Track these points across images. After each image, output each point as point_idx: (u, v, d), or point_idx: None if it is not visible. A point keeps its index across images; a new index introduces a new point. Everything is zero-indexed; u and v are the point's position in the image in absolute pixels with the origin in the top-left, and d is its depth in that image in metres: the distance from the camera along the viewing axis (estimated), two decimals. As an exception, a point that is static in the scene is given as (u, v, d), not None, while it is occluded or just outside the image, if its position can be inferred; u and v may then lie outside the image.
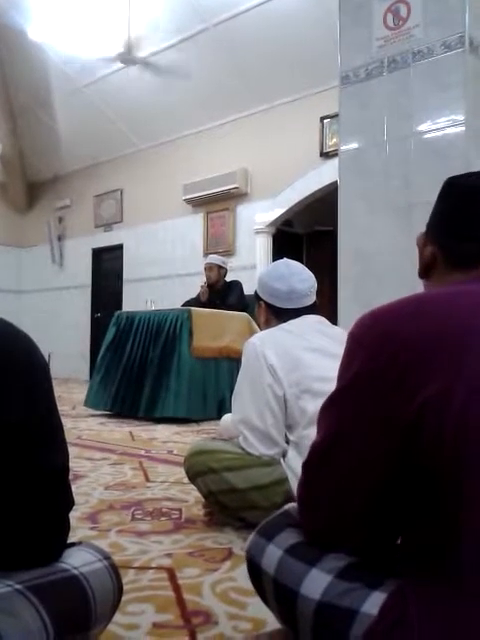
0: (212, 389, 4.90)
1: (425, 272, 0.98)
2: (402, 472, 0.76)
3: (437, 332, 0.73)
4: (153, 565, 1.62)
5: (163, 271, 8.42)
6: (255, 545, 0.97)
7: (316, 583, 0.81)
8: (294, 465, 1.80)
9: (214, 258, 5.78)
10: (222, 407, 4.76)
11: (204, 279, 5.74)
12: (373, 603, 0.75)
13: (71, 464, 0.93)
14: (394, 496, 0.80)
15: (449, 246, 0.92)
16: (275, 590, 0.89)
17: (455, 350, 0.71)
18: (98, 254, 9.62)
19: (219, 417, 4.50)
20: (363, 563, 0.83)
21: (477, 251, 0.88)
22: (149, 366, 4.88)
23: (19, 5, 7.32)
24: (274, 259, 6.69)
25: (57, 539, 0.90)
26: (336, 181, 3.61)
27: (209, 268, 5.61)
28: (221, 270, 5.62)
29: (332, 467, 0.83)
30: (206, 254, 7.42)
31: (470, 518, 0.69)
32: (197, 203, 7.96)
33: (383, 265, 3.24)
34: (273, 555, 0.91)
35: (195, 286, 6.08)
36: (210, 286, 5.58)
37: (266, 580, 0.91)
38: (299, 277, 2.05)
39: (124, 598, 1.03)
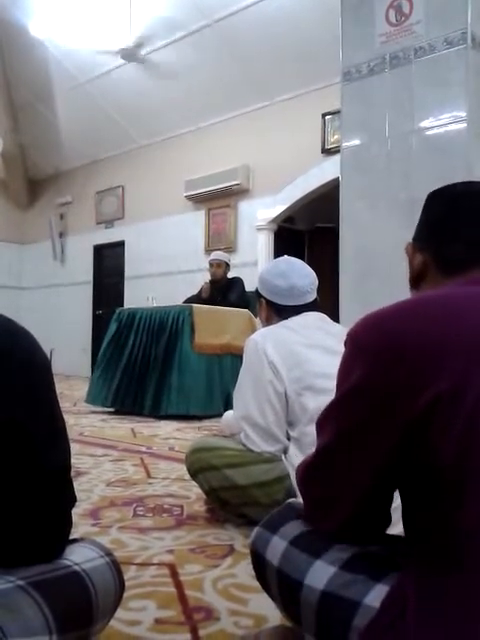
0: (217, 384, 4.90)
1: (416, 281, 0.97)
2: (405, 470, 0.76)
3: (443, 333, 0.73)
4: (155, 561, 1.63)
5: (164, 268, 8.41)
6: (259, 537, 0.97)
7: (320, 574, 0.82)
8: (295, 462, 1.80)
9: (221, 255, 5.77)
10: (228, 402, 4.75)
11: (207, 276, 5.73)
12: (375, 596, 0.76)
13: (73, 460, 0.93)
14: (394, 492, 0.80)
15: (439, 253, 0.93)
16: (279, 581, 0.90)
17: (464, 350, 0.71)
18: (99, 251, 9.61)
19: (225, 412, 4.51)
20: (367, 555, 0.84)
21: (466, 255, 0.88)
22: (152, 363, 4.88)
23: (20, 1, 7.30)
24: (276, 256, 6.67)
25: (59, 536, 0.90)
26: (338, 178, 3.61)
27: (217, 265, 5.59)
28: (227, 267, 5.63)
29: (337, 468, 0.84)
30: (208, 251, 7.42)
31: (470, 516, 0.69)
32: (198, 199, 7.95)
33: (385, 262, 3.24)
34: (277, 547, 0.92)
35: (196, 283, 6.07)
36: (213, 283, 5.58)
37: (270, 571, 0.92)
38: (299, 274, 2.05)
39: (126, 594, 1.03)
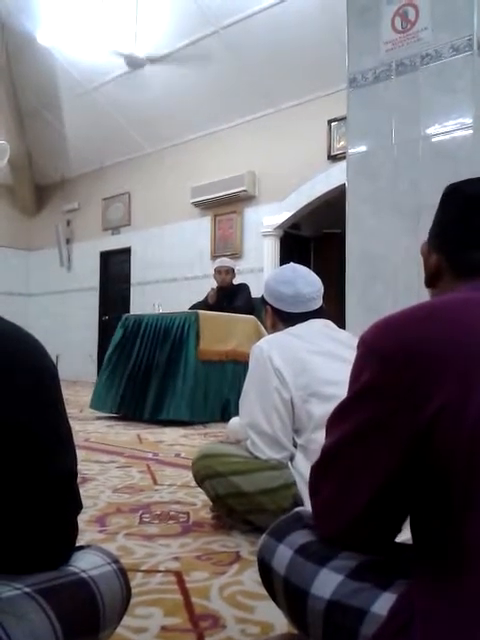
0: (216, 392, 4.90)
1: (431, 281, 0.97)
2: (413, 476, 0.76)
3: (451, 338, 0.73)
4: (161, 568, 1.62)
5: (170, 274, 8.43)
6: (266, 545, 0.97)
7: (327, 583, 0.82)
8: (302, 469, 1.80)
9: (227, 261, 5.78)
10: (225, 410, 4.76)
11: (213, 282, 5.73)
12: (383, 604, 0.75)
13: (79, 467, 0.93)
14: (404, 498, 0.80)
15: (455, 255, 0.92)
16: (286, 590, 0.90)
17: (470, 355, 0.71)
18: (106, 257, 9.64)
19: (222, 420, 4.53)
20: (374, 563, 0.83)
21: None
22: (155, 369, 4.88)
23: (28, 10, 7.36)
24: (281, 262, 6.68)
25: (66, 543, 0.90)
26: (344, 184, 3.61)
27: (226, 271, 5.59)
28: (233, 274, 5.64)
29: (343, 471, 0.83)
30: (214, 257, 7.43)
31: (477, 522, 0.69)
32: (205, 206, 7.97)
33: (391, 268, 3.23)
34: (284, 555, 0.91)
35: (202, 289, 6.08)
36: (219, 289, 5.58)
37: (277, 580, 0.92)
38: (305, 281, 2.05)
39: (132, 601, 1.03)
